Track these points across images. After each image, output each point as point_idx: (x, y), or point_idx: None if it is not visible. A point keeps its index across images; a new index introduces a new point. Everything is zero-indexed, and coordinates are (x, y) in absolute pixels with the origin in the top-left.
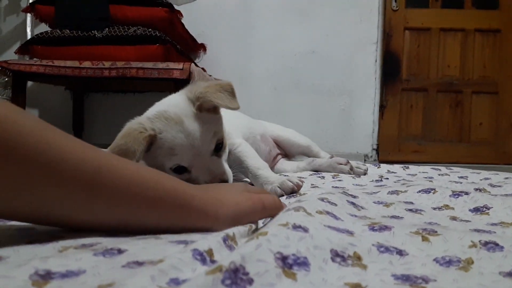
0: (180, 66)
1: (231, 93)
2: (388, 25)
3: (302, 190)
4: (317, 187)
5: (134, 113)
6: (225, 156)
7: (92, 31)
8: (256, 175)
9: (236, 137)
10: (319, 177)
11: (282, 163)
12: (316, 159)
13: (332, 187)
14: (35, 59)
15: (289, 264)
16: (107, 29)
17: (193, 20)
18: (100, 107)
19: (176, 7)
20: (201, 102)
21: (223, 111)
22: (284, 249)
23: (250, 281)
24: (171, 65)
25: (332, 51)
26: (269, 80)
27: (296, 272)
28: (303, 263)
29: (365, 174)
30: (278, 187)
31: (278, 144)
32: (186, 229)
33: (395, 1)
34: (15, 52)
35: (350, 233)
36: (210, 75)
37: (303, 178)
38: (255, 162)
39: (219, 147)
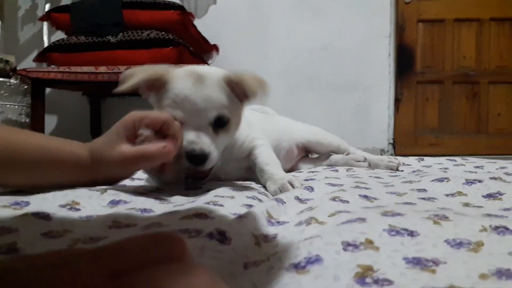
0: None
1: (263, 87)
2: (401, 18)
3: (316, 185)
4: (331, 184)
5: None
6: (223, 140)
7: (107, 37)
8: (263, 170)
9: (259, 139)
10: (333, 170)
11: (299, 163)
12: (333, 155)
13: (347, 176)
14: (52, 66)
15: (302, 266)
16: (121, 34)
17: (205, 21)
18: (117, 111)
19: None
20: (232, 78)
21: (253, 117)
22: (295, 259)
23: None
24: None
25: (345, 46)
26: (283, 78)
27: (309, 269)
28: (316, 260)
29: (397, 169)
30: (279, 189)
31: (306, 147)
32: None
33: None
34: (33, 60)
35: (362, 219)
36: None
37: (316, 171)
38: (266, 158)
39: (221, 124)
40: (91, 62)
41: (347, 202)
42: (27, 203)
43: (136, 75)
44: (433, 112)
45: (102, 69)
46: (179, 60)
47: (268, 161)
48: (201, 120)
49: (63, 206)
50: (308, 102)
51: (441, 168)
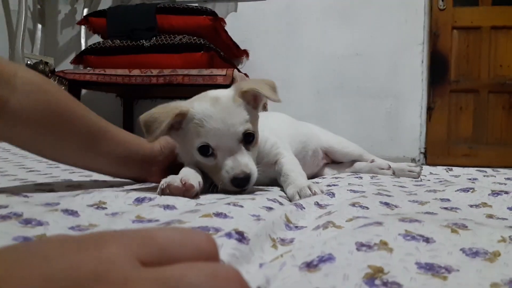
0: (224, 72)
1: (273, 88)
2: (435, 25)
3: (337, 192)
4: (353, 190)
5: None
6: (254, 153)
7: (141, 41)
8: (287, 175)
9: (284, 150)
10: (357, 177)
11: (325, 169)
12: (357, 163)
13: (370, 183)
14: (88, 68)
15: (314, 265)
16: (154, 38)
17: (236, 27)
18: None
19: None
20: (244, 89)
21: (280, 122)
22: (308, 257)
23: None
24: (215, 71)
25: (376, 53)
26: (312, 84)
27: (321, 267)
28: (328, 259)
29: (419, 176)
30: (298, 192)
31: (329, 154)
32: None
33: (442, 0)
34: (71, 62)
35: (379, 223)
36: None
37: (340, 178)
38: (291, 166)
39: (249, 139)
40: (125, 65)
41: (367, 208)
42: (57, 204)
43: (160, 121)
44: (467, 122)
45: (135, 72)
46: (210, 65)
47: (293, 168)
48: (231, 140)
49: (90, 205)
50: (338, 108)
51: (469, 179)
